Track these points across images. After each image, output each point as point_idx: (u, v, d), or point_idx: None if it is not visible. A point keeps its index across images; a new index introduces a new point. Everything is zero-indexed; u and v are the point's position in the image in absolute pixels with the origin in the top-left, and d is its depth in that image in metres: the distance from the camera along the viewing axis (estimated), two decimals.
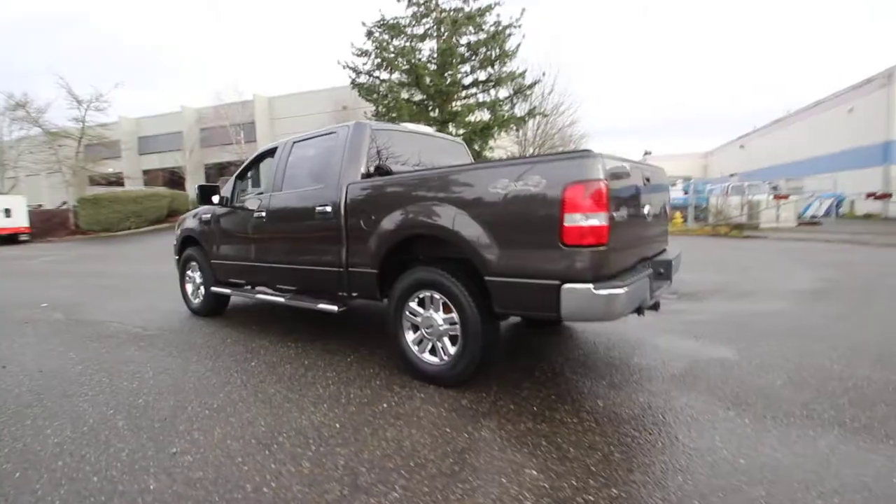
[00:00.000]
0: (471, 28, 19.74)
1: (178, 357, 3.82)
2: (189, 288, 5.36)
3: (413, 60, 19.04)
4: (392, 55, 19.43)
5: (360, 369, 3.39)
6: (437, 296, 2.99)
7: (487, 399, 2.84)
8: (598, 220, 2.37)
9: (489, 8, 19.82)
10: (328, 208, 3.54)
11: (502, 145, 24.02)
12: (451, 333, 2.97)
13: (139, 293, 7.06)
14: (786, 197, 16.71)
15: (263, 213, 4.12)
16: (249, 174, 4.78)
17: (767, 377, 3.07)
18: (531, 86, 20.26)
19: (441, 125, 19.60)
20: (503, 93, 20.40)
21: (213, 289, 4.90)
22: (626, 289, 2.38)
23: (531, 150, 25.67)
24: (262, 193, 4.60)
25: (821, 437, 2.31)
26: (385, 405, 2.79)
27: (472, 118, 19.99)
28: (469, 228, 2.74)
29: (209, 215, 4.88)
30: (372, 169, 3.54)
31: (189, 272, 5.32)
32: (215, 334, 4.47)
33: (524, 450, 2.25)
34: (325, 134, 3.92)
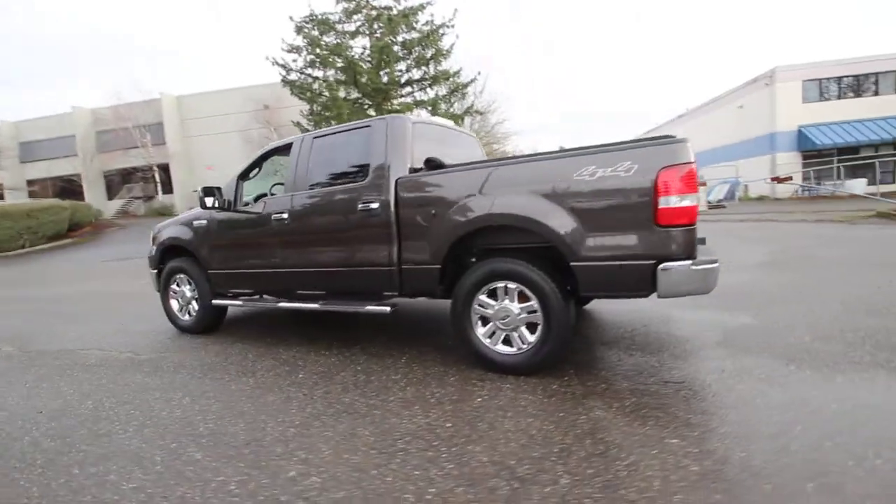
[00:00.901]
0: (404, 27, 19.65)
1: (204, 378, 3.43)
2: (175, 304, 4.80)
3: (349, 58, 18.53)
4: (326, 52, 18.74)
5: (424, 369, 3.28)
6: (511, 285, 2.98)
7: (574, 382, 2.89)
8: (689, 200, 2.53)
9: (421, 7, 19.83)
10: (374, 205, 3.37)
11: None
12: (527, 322, 2.99)
13: (95, 316, 6.18)
14: (704, 184, 18.68)
15: (285, 215, 3.81)
16: (253, 174, 4.40)
17: (795, 335, 3.46)
18: (467, 85, 20.62)
19: None
20: (440, 91, 20.59)
21: (216, 302, 4.44)
22: (718, 263, 2.57)
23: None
24: (276, 194, 4.28)
25: (875, 378, 2.67)
26: (479, 399, 2.73)
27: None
28: (554, 216, 2.78)
29: (204, 221, 4.40)
30: (414, 163, 3.44)
31: (175, 286, 4.76)
32: (228, 351, 4.07)
33: (649, 422, 2.34)
34: (355, 128, 3.73)
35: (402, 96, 20.84)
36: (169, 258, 4.86)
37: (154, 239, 4.94)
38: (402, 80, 20.24)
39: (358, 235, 3.50)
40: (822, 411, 2.33)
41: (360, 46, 20.47)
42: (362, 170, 3.53)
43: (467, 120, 23.14)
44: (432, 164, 3.37)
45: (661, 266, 2.55)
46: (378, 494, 1.92)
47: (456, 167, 3.25)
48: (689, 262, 2.52)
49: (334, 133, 3.83)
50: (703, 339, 3.52)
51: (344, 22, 20.28)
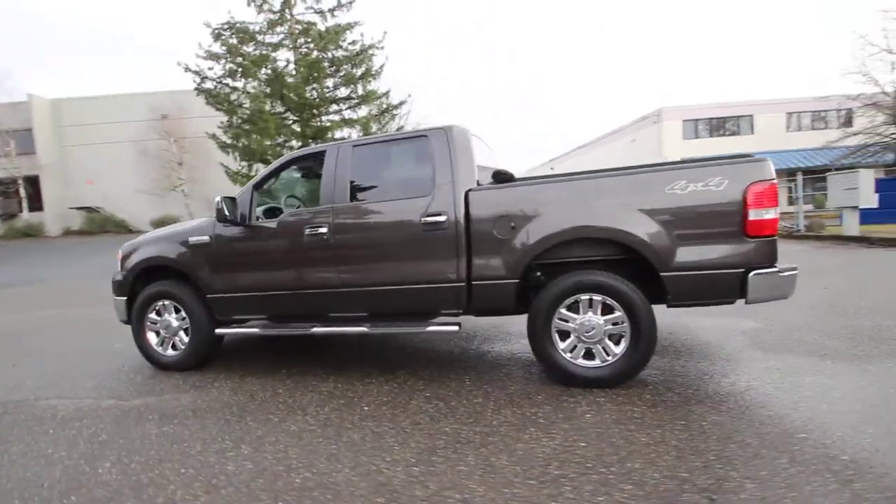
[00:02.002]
0: (332, 45, 19.28)
1: (244, 420, 2.88)
2: (152, 337, 4.02)
3: (276, 70, 17.61)
4: (248, 63, 17.59)
5: (500, 390, 3.11)
6: (596, 297, 2.99)
7: (661, 390, 2.94)
8: (773, 213, 2.77)
9: (349, 26, 19.66)
10: (440, 218, 3.18)
11: None
12: (611, 333, 3.01)
13: (35, 358, 4.89)
14: None
15: (323, 230, 3.42)
16: (269, 184, 3.90)
17: (806, 335, 3.92)
18: (398, 106, 20.70)
19: (305, 140, 18.54)
20: (367, 111, 20.41)
21: (221, 331, 3.79)
22: (797, 269, 2.83)
23: None
24: (290, 207, 3.85)
25: (893, 366, 3.12)
26: (589, 416, 2.65)
27: (341, 134, 19.47)
28: (646, 228, 2.85)
29: (206, 237, 3.78)
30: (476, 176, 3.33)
31: (153, 315, 3.99)
32: (242, 387, 3.48)
33: (766, 422, 2.45)
34: (406, 138, 3.51)
35: (329, 113, 20.28)
36: (144, 282, 4.09)
37: (124, 260, 4.12)
38: (331, 98, 19.73)
39: (419, 251, 3.27)
40: (868, 398, 2.65)
41: (283, 59, 19.64)
42: (422, 182, 3.33)
43: None
44: (502, 177, 3.29)
45: (752, 273, 2.75)
46: None
47: (536, 179, 3.21)
48: (776, 269, 2.75)
49: (379, 142, 3.57)
50: (733, 344, 3.83)
51: (265, 33, 19.33)
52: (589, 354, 3.05)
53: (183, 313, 3.91)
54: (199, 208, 27.13)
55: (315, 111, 18.91)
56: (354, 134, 19.48)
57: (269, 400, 3.21)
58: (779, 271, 2.75)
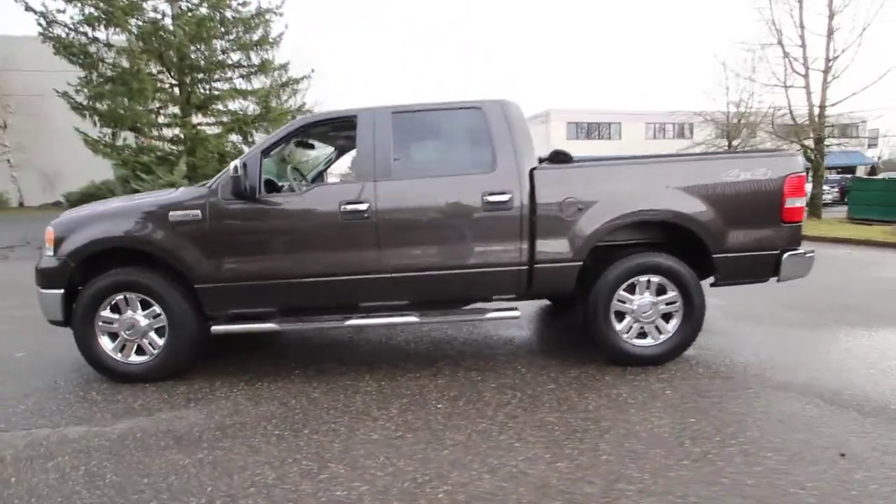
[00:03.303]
0: (221, 4, 16.91)
1: (304, 435, 2.37)
2: (106, 342, 3.08)
3: (154, 23, 14.85)
4: (116, 9, 14.51)
5: (560, 374, 3.04)
6: (654, 279, 3.09)
7: (703, 365, 3.17)
8: (801, 202, 3.14)
9: None
10: (504, 198, 2.96)
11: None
12: (664, 313, 3.14)
13: None
14: None
15: (363, 207, 2.94)
16: (275, 152, 3.21)
17: (769, 308, 4.56)
18: (299, 80, 19.05)
19: (188, 109, 16.14)
20: (262, 83, 18.43)
21: (218, 329, 3.03)
22: (815, 252, 3.25)
23: None
24: (296, 180, 3.28)
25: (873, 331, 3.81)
26: (665, 391, 2.74)
27: (234, 106, 17.30)
28: (704, 211, 3.01)
29: (196, 212, 2.98)
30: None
31: (107, 313, 3.05)
32: (263, 395, 2.86)
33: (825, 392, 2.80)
34: (454, 109, 3.19)
35: (217, 80, 17.84)
36: (93, 270, 3.11)
37: (59, 240, 3.06)
38: (221, 63, 17.34)
39: (478, 232, 3.01)
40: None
41: (157, 12, 16.67)
42: (480, 157, 3.06)
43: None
44: (561, 157, 3.18)
45: (786, 255, 3.09)
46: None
47: (600, 161, 3.16)
48: (802, 251, 3.14)
49: (423, 111, 3.18)
50: (712, 316, 4.29)
51: None
52: (641, 334, 3.17)
53: (156, 308, 3.06)
54: (31, 183, 21.92)
55: (202, 76, 16.46)
56: (251, 107, 17.47)
57: (312, 407, 2.69)
58: (804, 253, 3.15)
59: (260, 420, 2.55)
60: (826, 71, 14.32)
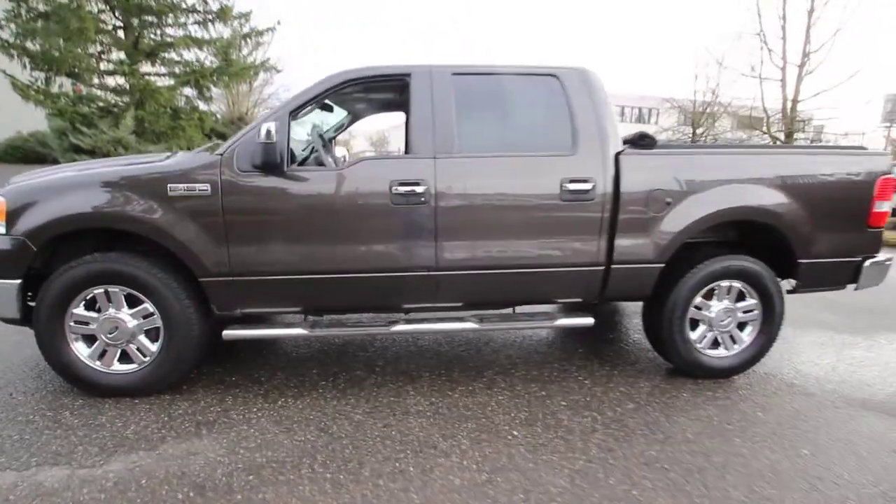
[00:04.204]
0: None
1: (390, 489, 1.88)
2: (81, 348, 2.41)
3: None
4: None
5: (634, 391, 2.70)
6: (736, 284, 2.78)
7: (770, 374, 2.94)
8: (888, 206, 2.90)
9: None
10: (587, 185, 2.51)
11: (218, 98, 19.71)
12: (741, 321, 2.85)
13: None
14: None
15: (423, 189, 2.40)
16: (304, 113, 2.56)
17: (804, 311, 4.45)
18: (263, 32, 17.39)
19: (136, 55, 14.37)
20: (223, 31, 16.69)
21: (232, 334, 2.42)
22: (892, 258, 3.04)
23: (249, 110, 22.10)
24: (318, 151, 2.68)
25: None
26: (756, 412, 2.46)
27: (189, 56, 15.57)
28: (796, 211, 2.70)
29: (205, 186, 2.32)
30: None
31: (80, 310, 2.37)
32: (305, 418, 2.32)
33: None
34: (528, 74, 2.65)
35: (171, 25, 15.95)
36: (59, 254, 2.40)
37: (11, 215, 2.31)
38: (174, 5, 15.44)
39: (552, 224, 2.55)
40: None
41: None
42: (559, 135, 2.56)
43: (261, 76, 19.64)
44: (646, 142, 2.74)
45: (867, 262, 2.86)
46: None
47: (693, 148, 2.75)
48: (881, 258, 2.92)
49: (489, 74, 2.62)
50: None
51: None
52: (718, 343, 2.87)
53: (147, 305, 2.41)
54: None
55: (152, 19, 14.61)
56: (209, 59, 15.79)
57: (360, 434, 2.18)
58: (884, 260, 2.93)
59: (301, 456, 2.03)
60: (802, 65, 14.67)
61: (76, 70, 13.47)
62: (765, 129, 16.15)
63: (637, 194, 2.59)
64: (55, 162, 13.86)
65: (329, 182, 2.45)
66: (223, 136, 14.99)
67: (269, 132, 2.17)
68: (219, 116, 17.19)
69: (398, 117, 4.29)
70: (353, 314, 2.85)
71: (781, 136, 15.71)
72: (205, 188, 2.34)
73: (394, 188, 2.41)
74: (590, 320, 2.68)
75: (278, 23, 19.22)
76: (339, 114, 3.76)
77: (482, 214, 2.52)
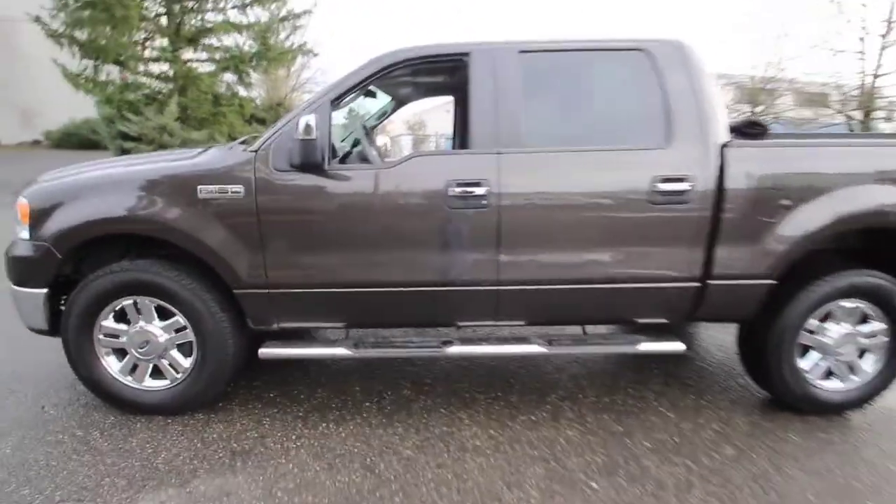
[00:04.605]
0: None
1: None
2: (112, 363, 2.23)
3: None
4: None
5: (729, 429, 2.28)
6: (860, 305, 2.28)
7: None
8: None
9: None
10: (684, 185, 2.07)
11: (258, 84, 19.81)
12: (863, 346, 2.36)
13: None
14: None
15: (484, 191, 2.04)
16: (348, 101, 2.26)
17: None
18: (299, 15, 17.22)
19: (178, 42, 14.50)
20: (260, 16, 16.61)
21: (271, 352, 2.19)
22: None
23: (287, 95, 22.15)
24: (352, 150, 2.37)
25: None
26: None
27: (228, 41, 15.60)
28: None
29: (238, 187, 2.05)
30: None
31: (110, 324, 2.18)
32: (362, 454, 2.07)
33: None
34: (609, 49, 2.22)
35: (210, 10, 16.00)
36: (87, 262, 2.21)
37: (39, 216, 2.12)
38: None
39: (639, 232, 2.14)
40: None
41: None
42: (648, 125, 2.13)
43: (298, 60, 19.58)
44: (756, 129, 2.27)
45: None
46: None
47: (816, 137, 2.26)
48: None
49: (563, 51, 2.21)
50: None
51: None
52: (832, 372, 2.39)
53: (178, 318, 2.19)
54: (6, 119, 20.07)
55: (192, 4, 14.67)
56: (248, 43, 15.79)
57: (410, 475, 1.89)
58: None
59: (345, 501, 1.77)
60: (885, 34, 13.08)
61: (122, 58, 13.72)
62: (838, 107, 14.62)
63: (746, 195, 2.12)
64: (107, 149, 14.35)
65: (376, 182, 2.11)
66: (263, 122, 15.07)
67: (308, 127, 1.86)
68: (258, 102, 17.24)
69: (435, 100, 3.93)
70: (397, 329, 2.56)
71: (858, 114, 14.19)
72: (238, 190, 2.07)
73: (450, 189, 2.05)
74: (681, 346, 2.27)
75: (315, 4, 18.98)
76: (382, 99, 3.43)
77: (553, 220, 2.13)
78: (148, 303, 2.19)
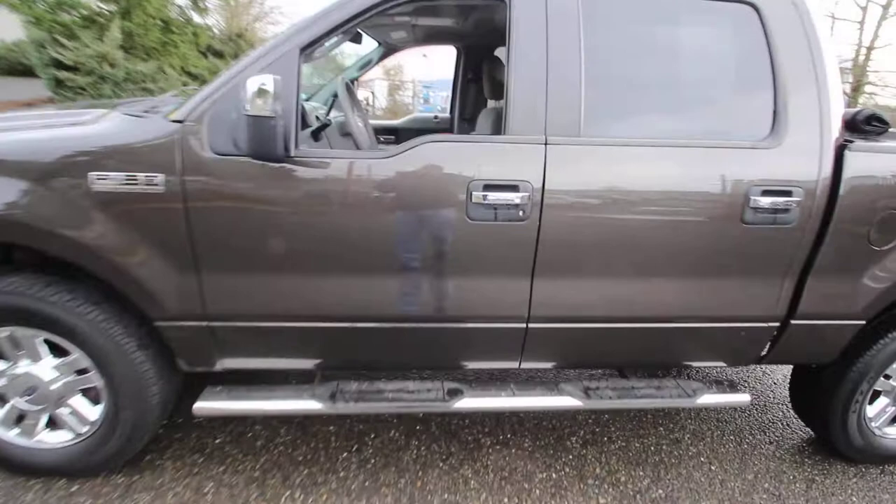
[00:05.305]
0: None
1: None
2: None
3: None
4: None
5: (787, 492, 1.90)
6: None
7: None
8: None
9: None
10: (789, 199, 1.52)
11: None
12: None
13: None
14: None
15: (518, 199, 1.42)
16: (324, 49, 1.54)
17: None
18: None
19: None
20: None
21: (209, 406, 1.57)
22: None
23: (249, 25, 19.86)
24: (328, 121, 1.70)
25: None
26: None
27: None
28: None
29: (158, 178, 1.34)
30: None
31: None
32: None
33: None
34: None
35: None
36: None
37: None
38: None
39: (718, 258, 1.59)
40: None
41: None
42: (751, 113, 1.54)
43: None
44: (877, 127, 1.70)
45: None
46: None
47: None
48: None
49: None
50: None
51: None
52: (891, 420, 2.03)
53: (75, 356, 1.55)
54: None
55: None
56: None
57: None
58: None
59: None
60: (887, 5, 12.59)
61: None
62: None
63: (862, 215, 1.60)
64: (39, 77, 12.52)
65: (366, 178, 1.45)
66: (222, 56, 13.47)
67: (263, 93, 1.16)
68: (216, 31, 15.37)
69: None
70: (381, 369, 1.97)
71: (847, 88, 13.89)
72: (155, 180, 1.38)
73: (474, 193, 1.43)
74: (746, 398, 1.80)
75: None
76: (367, 45, 2.67)
77: (609, 239, 1.54)
78: (31, 335, 1.53)
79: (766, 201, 1.51)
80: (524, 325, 1.62)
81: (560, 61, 1.44)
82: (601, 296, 1.61)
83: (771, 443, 2.17)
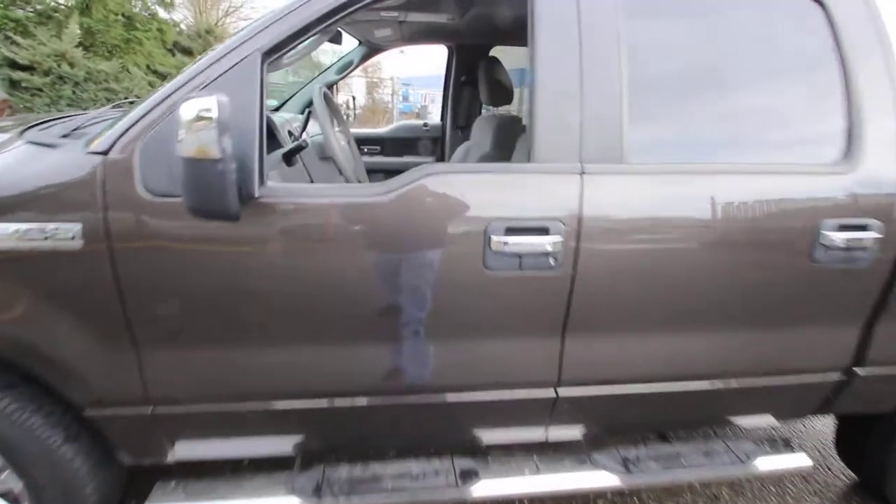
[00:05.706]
0: None
1: None
2: None
3: None
4: None
5: None
6: None
7: None
8: None
9: None
10: (867, 236, 1.25)
11: None
12: None
13: None
14: None
15: (550, 245, 1.11)
16: (294, 53, 1.23)
17: None
18: None
19: None
20: None
21: None
22: None
23: (218, 21, 19.07)
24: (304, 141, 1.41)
25: None
26: None
27: None
28: None
29: (71, 228, 1.00)
30: None
31: None
32: None
33: None
34: None
35: None
36: None
37: None
38: None
39: (783, 305, 1.32)
40: None
41: None
42: (817, 126, 1.27)
43: None
44: None
45: None
46: None
47: None
48: None
49: None
50: None
51: None
52: None
53: None
54: None
55: None
56: None
57: None
58: None
59: None
60: None
61: None
62: None
63: None
64: None
65: (356, 223, 1.13)
66: (190, 53, 12.81)
67: (204, 121, 0.83)
68: (184, 27, 14.65)
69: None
70: (378, 449, 1.62)
71: None
72: (70, 232, 1.03)
73: (493, 238, 1.13)
74: (808, 462, 1.55)
75: None
76: (347, 45, 2.33)
77: (658, 289, 1.25)
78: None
79: (839, 237, 1.25)
80: (553, 391, 1.33)
81: (600, 67, 1.13)
82: (645, 353, 1.33)
83: (815, 493, 1.94)
